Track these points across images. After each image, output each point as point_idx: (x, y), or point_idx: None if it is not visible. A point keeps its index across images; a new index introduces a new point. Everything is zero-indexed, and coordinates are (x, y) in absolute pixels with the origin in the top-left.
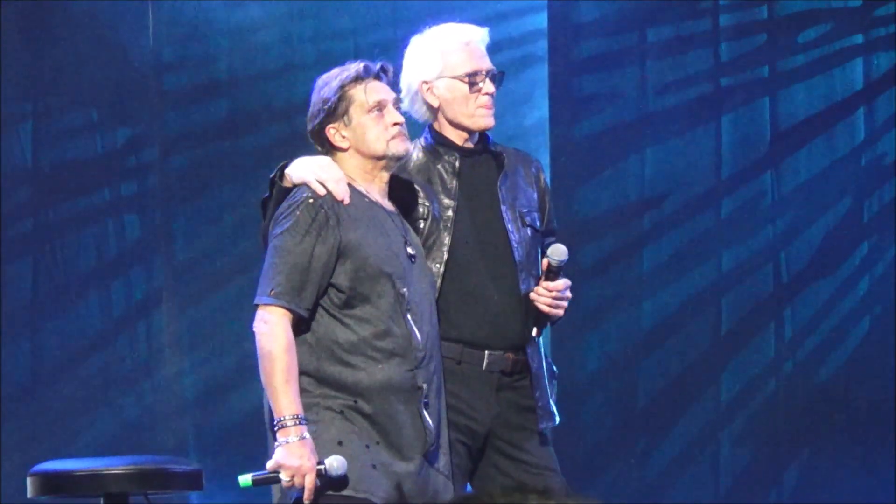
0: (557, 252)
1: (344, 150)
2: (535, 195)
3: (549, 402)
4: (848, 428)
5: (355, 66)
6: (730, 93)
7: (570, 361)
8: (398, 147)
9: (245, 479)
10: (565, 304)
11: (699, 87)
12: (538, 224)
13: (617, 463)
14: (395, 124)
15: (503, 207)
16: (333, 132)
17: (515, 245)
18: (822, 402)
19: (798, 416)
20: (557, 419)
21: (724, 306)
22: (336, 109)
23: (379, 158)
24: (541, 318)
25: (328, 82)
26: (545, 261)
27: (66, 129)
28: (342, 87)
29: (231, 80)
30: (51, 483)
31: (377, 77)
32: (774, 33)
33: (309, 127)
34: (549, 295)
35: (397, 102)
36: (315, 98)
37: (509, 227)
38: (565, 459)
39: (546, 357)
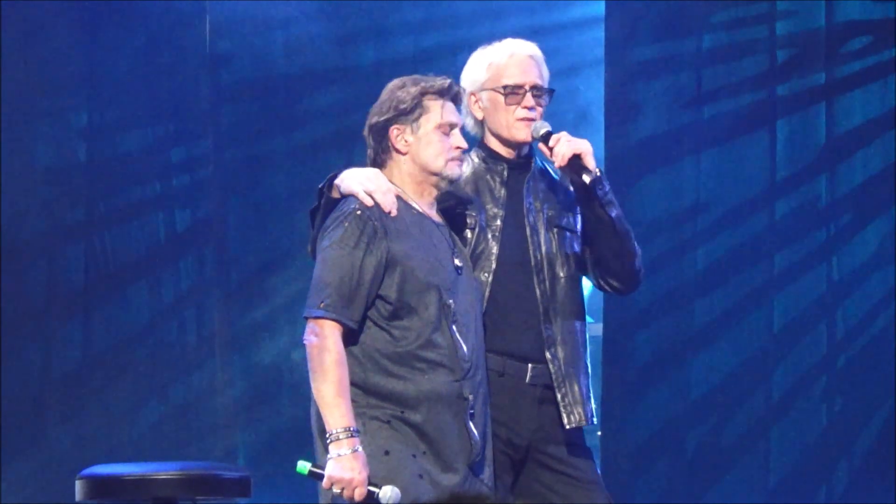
0: (535, 130)
1: (401, 154)
2: (572, 194)
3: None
4: None
5: (441, 81)
6: (785, 99)
7: (622, 359)
8: (454, 170)
9: (303, 466)
10: (573, 143)
11: (755, 93)
12: (575, 224)
13: (667, 459)
14: (458, 148)
15: (528, 214)
16: (397, 133)
17: (533, 250)
18: (872, 401)
19: (849, 415)
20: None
21: (776, 306)
22: (409, 113)
23: (432, 174)
24: (576, 166)
25: (406, 85)
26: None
27: (120, 121)
28: (423, 94)
29: (286, 76)
30: (100, 487)
31: (454, 100)
32: (831, 40)
33: (371, 120)
34: (556, 154)
35: (462, 129)
36: (388, 96)
37: (529, 232)
38: (616, 456)
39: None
